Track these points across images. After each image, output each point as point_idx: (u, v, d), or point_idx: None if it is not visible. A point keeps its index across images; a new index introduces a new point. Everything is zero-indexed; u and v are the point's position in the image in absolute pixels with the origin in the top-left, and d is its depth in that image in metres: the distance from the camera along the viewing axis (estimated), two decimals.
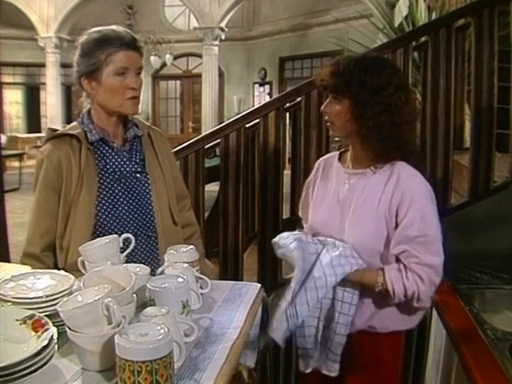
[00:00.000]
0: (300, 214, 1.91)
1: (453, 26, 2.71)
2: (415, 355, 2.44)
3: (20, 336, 1.00)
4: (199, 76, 12.71)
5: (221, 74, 13.17)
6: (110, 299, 1.01)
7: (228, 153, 2.87)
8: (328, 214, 1.70)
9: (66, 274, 1.26)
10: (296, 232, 1.66)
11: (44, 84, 13.03)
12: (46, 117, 12.92)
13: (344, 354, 1.64)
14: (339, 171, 1.72)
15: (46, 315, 1.05)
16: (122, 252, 1.43)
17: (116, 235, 1.43)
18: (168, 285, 1.17)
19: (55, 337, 0.99)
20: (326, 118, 1.66)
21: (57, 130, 1.73)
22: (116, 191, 1.68)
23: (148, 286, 1.17)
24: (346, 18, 9.15)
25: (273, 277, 2.84)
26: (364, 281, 1.58)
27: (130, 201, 1.70)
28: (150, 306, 1.13)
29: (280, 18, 12.29)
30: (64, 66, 11.71)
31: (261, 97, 13.29)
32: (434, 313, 2.16)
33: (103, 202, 1.66)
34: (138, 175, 1.73)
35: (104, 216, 1.66)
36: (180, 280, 1.19)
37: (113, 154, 1.70)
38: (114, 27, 1.66)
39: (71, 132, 1.67)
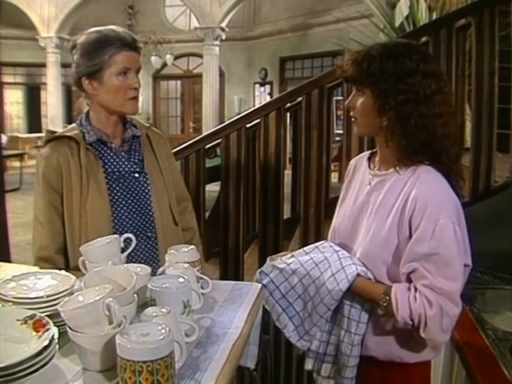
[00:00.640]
0: None
1: (453, 25, 2.71)
2: None
3: (21, 336, 1.00)
4: (200, 76, 12.71)
5: (221, 74, 13.18)
6: (111, 299, 1.01)
7: (229, 153, 2.88)
8: (341, 218, 1.57)
9: (67, 274, 1.25)
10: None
11: (45, 84, 13.02)
12: (47, 117, 12.93)
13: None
14: (365, 172, 1.54)
15: (46, 315, 1.05)
16: (122, 252, 1.43)
17: (117, 235, 1.43)
18: (169, 285, 1.17)
19: (56, 337, 0.99)
20: (351, 113, 1.48)
21: (55, 132, 1.73)
22: (115, 191, 1.68)
23: (149, 285, 1.17)
24: (346, 18, 9.16)
25: None
26: (368, 290, 1.40)
27: (129, 201, 1.70)
28: (151, 305, 1.12)
29: (281, 18, 12.30)
30: (65, 65, 11.69)
31: (261, 97, 13.30)
32: None
33: None
34: (136, 175, 1.72)
35: None
36: (181, 280, 1.18)
37: (111, 154, 1.70)
38: (113, 27, 1.67)
39: (69, 134, 1.68)
